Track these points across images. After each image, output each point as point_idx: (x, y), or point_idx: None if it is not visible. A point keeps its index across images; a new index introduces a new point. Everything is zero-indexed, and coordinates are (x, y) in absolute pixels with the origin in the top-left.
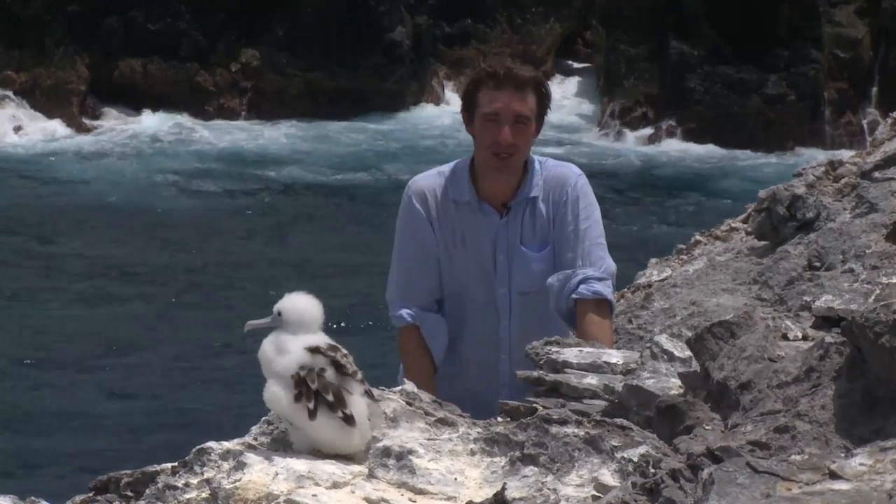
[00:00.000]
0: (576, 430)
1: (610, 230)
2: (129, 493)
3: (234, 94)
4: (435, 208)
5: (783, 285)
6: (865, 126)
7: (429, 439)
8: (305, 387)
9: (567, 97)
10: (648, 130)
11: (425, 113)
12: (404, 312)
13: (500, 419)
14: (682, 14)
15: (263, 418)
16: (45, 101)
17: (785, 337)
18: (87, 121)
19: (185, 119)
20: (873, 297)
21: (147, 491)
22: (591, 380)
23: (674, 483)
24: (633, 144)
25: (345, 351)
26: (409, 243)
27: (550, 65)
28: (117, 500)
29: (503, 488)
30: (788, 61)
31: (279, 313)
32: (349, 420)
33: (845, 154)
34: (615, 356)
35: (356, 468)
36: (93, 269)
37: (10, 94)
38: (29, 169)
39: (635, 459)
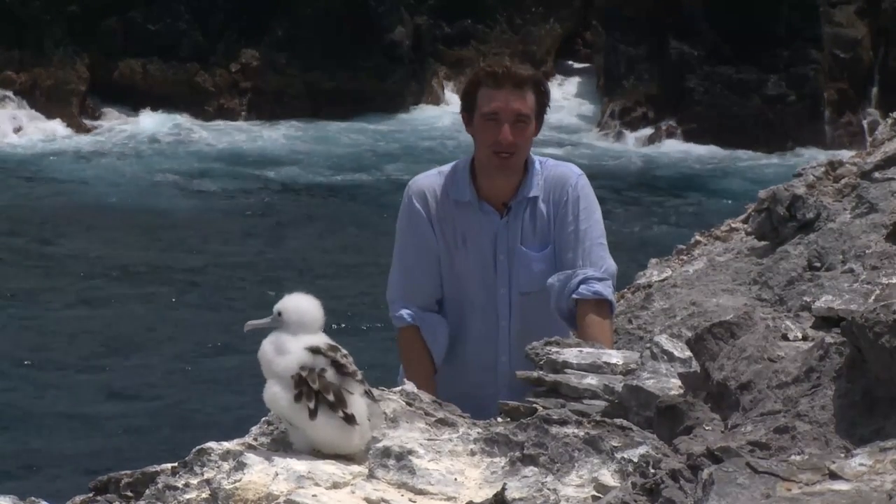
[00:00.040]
0: (576, 431)
1: (610, 230)
2: (129, 494)
3: (233, 95)
4: (435, 208)
5: (783, 285)
6: (865, 126)
7: (429, 439)
8: (306, 386)
9: (567, 98)
10: (648, 131)
11: (425, 113)
12: (404, 312)
13: (499, 419)
14: (682, 14)
15: (263, 418)
16: (45, 102)
17: (785, 337)
18: (86, 121)
19: (184, 119)
20: (873, 298)
21: (147, 491)
22: (591, 380)
23: (674, 483)
24: (633, 145)
25: (345, 351)
26: (409, 243)
27: (550, 65)
28: (117, 501)
29: (503, 488)
30: (788, 61)
31: (279, 313)
32: (350, 420)
33: (845, 154)
34: (615, 356)
35: (356, 468)
36: (93, 270)
37: (10, 94)
38: (29, 169)
39: (635, 460)
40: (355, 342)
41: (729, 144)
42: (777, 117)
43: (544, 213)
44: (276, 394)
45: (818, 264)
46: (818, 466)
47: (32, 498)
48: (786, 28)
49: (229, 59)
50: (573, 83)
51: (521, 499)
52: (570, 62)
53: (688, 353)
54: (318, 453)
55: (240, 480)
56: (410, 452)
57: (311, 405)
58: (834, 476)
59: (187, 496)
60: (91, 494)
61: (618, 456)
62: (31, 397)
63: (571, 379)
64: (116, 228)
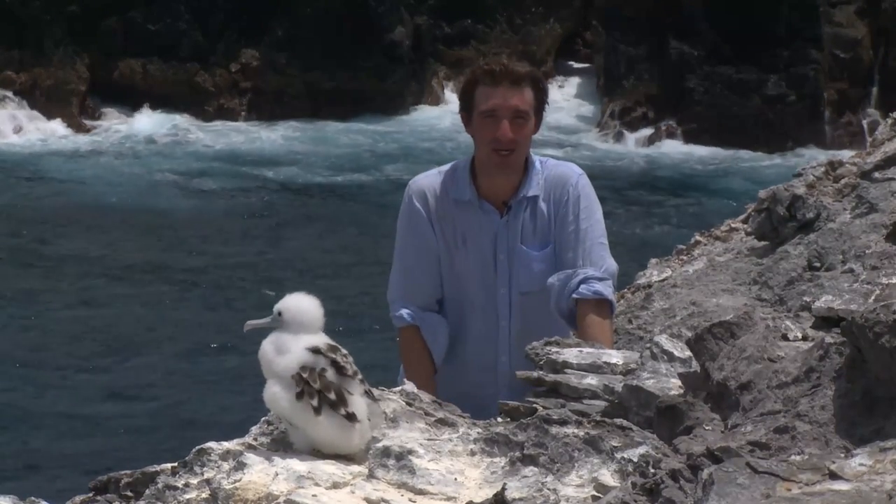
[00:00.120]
0: (576, 431)
1: (610, 231)
2: (129, 494)
3: (233, 95)
4: (435, 207)
5: (783, 285)
6: (865, 126)
7: (429, 439)
8: (307, 385)
9: (567, 98)
10: (648, 131)
11: (425, 113)
12: (404, 312)
13: (499, 419)
14: (682, 14)
15: (263, 418)
16: (45, 102)
17: (785, 337)
18: (86, 121)
19: (184, 119)
20: (873, 298)
21: (147, 491)
22: (591, 380)
23: (674, 483)
24: (633, 145)
25: (345, 351)
26: (409, 243)
27: (550, 65)
28: (117, 500)
29: (503, 488)
30: (788, 61)
31: (279, 313)
32: (351, 418)
33: (845, 154)
34: (615, 356)
35: (356, 468)
36: (93, 270)
37: (9, 94)
38: (28, 169)
39: (635, 460)
40: (355, 342)
41: (729, 144)
42: (777, 117)
43: (545, 213)
44: (277, 394)
45: (818, 264)
46: (818, 466)
47: (32, 498)
48: (786, 28)
49: (229, 59)
50: (573, 83)
51: (521, 499)
52: (570, 62)
53: (688, 353)
54: (318, 453)
55: (240, 480)
56: (410, 452)
57: (315, 403)
58: (834, 476)
59: (187, 496)
60: (91, 494)
61: (618, 456)
62: (31, 397)
63: (571, 379)
64: (116, 228)
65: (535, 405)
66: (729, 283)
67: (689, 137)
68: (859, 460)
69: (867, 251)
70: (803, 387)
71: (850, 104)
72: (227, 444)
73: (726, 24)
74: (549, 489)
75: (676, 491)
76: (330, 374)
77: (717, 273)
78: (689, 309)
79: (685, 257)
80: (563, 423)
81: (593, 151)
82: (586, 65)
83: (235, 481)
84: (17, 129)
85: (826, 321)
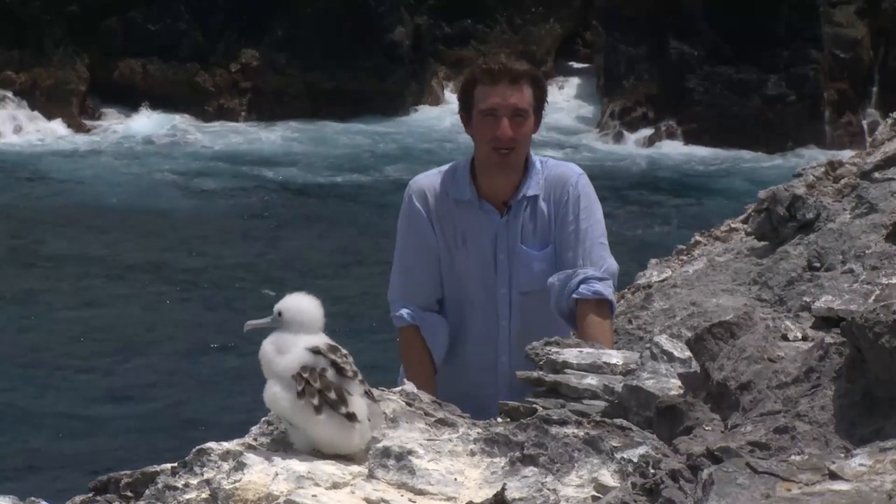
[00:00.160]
0: (575, 431)
1: (610, 231)
2: (129, 494)
3: (233, 95)
4: (435, 207)
5: (783, 286)
6: (865, 126)
7: (429, 440)
8: (308, 385)
9: (567, 98)
10: (648, 131)
11: (425, 113)
12: (405, 312)
13: (499, 419)
14: (682, 14)
15: (263, 418)
16: (45, 102)
17: (785, 337)
18: (86, 121)
19: (184, 119)
20: (873, 298)
21: (147, 491)
22: (591, 380)
23: (673, 483)
24: (632, 145)
25: (345, 351)
26: (409, 242)
27: (550, 65)
28: (117, 501)
29: (503, 489)
30: (788, 61)
31: (280, 313)
32: (351, 417)
33: (845, 154)
34: (615, 356)
35: (356, 468)
36: (93, 270)
37: (9, 94)
38: (28, 169)
39: (635, 460)
40: (355, 342)
41: (729, 144)
42: (777, 117)
43: (545, 213)
44: (277, 394)
45: (818, 264)
46: (818, 466)
47: (32, 498)
48: (786, 28)
49: (229, 59)
50: (573, 83)
51: (520, 499)
52: (570, 62)
53: (688, 354)
54: (318, 453)
55: (240, 480)
56: (410, 452)
57: (315, 401)
58: (834, 476)
59: (187, 496)
60: (91, 494)
61: (618, 456)
62: (31, 397)
63: (571, 379)
64: (116, 228)
65: (534, 405)
66: (729, 283)
67: (689, 137)
68: (859, 460)
69: (867, 251)
70: (803, 387)
71: (850, 104)
72: (227, 445)
73: (726, 24)
74: (548, 489)
75: (676, 491)
76: (330, 374)
77: (717, 273)
78: (688, 309)
79: (685, 257)
80: (562, 423)
81: (593, 151)
82: (586, 65)
83: (235, 481)
84: (17, 129)
85: (826, 321)
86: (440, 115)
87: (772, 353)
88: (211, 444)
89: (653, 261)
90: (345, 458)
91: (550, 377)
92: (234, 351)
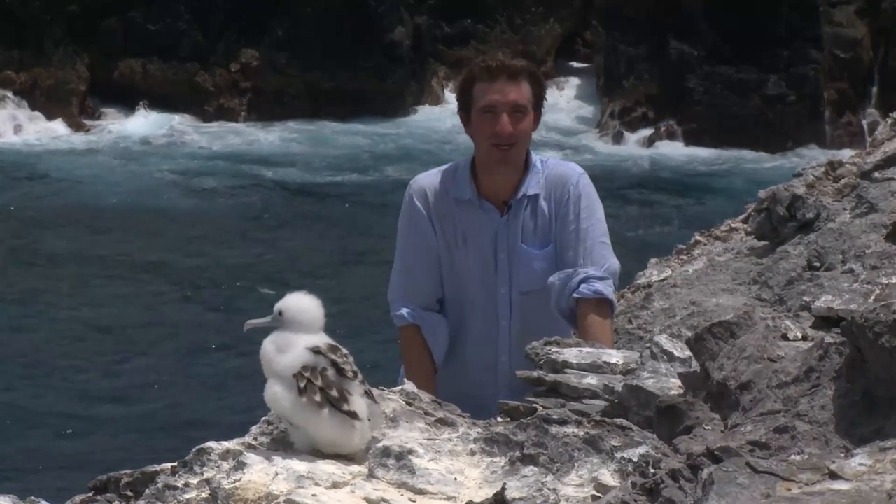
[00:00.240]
0: (575, 430)
1: (610, 230)
2: (129, 493)
3: (233, 95)
4: (436, 206)
5: (783, 285)
6: (865, 126)
7: (429, 439)
8: (310, 382)
9: (567, 98)
10: (648, 131)
11: (425, 113)
12: (405, 312)
13: (499, 419)
14: (682, 14)
15: (263, 418)
16: (45, 102)
17: (785, 337)
18: (86, 121)
19: (184, 119)
20: (873, 297)
21: (147, 491)
22: (591, 380)
23: (673, 483)
24: (632, 145)
25: (345, 351)
26: (409, 242)
27: (550, 65)
28: (117, 500)
29: (503, 488)
30: (788, 61)
31: (280, 313)
32: (353, 416)
33: (845, 154)
34: (615, 356)
35: (356, 468)
36: (93, 269)
37: (9, 94)
38: (28, 169)
39: (635, 459)
40: (355, 342)
41: (729, 144)
42: (777, 117)
43: (546, 212)
44: (277, 393)
45: (818, 264)
46: (818, 466)
47: (32, 498)
48: (786, 28)
49: (229, 59)
50: (573, 83)
51: (520, 498)
52: (571, 62)
53: (687, 353)
54: (318, 453)
55: (240, 480)
56: (410, 452)
57: (318, 398)
58: (834, 476)
59: (187, 496)
60: (91, 494)
61: (618, 456)
62: (31, 397)
63: (571, 379)
64: (116, 228)
65: (534, 405)
66: (729, 282)
67: (689, 137)
68: (859, 460)
69: (867, 251)
70: (803, 387)
71: (850, 104)
72: (226, 444)
73: (726, 24)
74: (548, 489)
75: (676, 491)
76: (331, 373)
77: (717, 273)
78: (688, 309)
79: (685, 257)
80: (562, 422)
81: (593, 151)
82: (586, 65)
83: (235, 481)
84: (18, 129)
85: (826, 321)
86: (440, 115)
87: (772, 353)
88: (211, 444)
89: (653, 260)
90: (345, 457)
91: (550, 377)
92: (234, 351)
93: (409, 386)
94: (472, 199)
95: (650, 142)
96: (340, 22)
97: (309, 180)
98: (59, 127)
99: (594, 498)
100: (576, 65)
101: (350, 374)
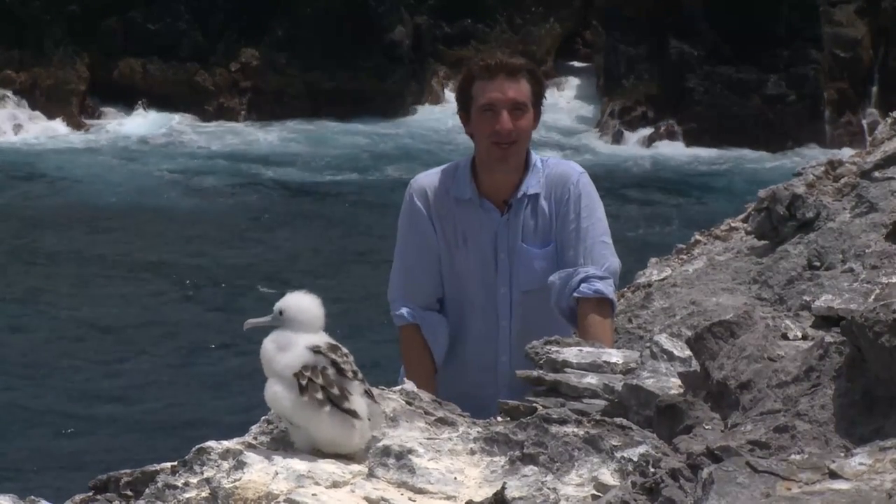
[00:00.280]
0: (575, 430)
1: (610, 230)
2: (129, 493)
3: (233, 94)
4: (436, 206)
5: (783, 285)
6: (865, 126)
7: (428, 439)
8: (310, 381)
9: (567, 97)
10: (648, 130)
11: (425, 113)
12: (405, 311)
13: (499, 419)
14: (682, 14)
15: (263, 418)
16: (45, 101)
17: (785, 336)
18: (86, 120)
19: (184, 119)
20: (873, 297)
21: (147, 490)
22: (591, 379)
23: (673, 482)
24: (632, 144)
25: (345, 350)
26: (409, 241)
27: (550, 65)
28: (117, 500)
29: (503, 488)
30: (788, 61)
31: (281, 312)
32: (353, 414)
33: (845, 153)
34: (615, 356)
35: (356, 468)
36: (93, 269)
37: (9, 93)
38: (28, 169)
39: (635, 459)
40: (355, 342)
41: (729, 144)
42: (777, 117)
43: (546, 211)
44: (278, 392)
45: (818, 264)
46: (818, 466)
47: (32, 497)
48: (786, 28)
49: (229, 58)
50: (573, 83)
51: (520, 498)
52: (571, 62)
53: (687, 353)
54: (318, 452)
55: (240, 479)
56: (410, 451)
57: (319, 396)
58: (834, 475)
59: (187, 495)
60: (91, 493)
61: (617, 455)
62: (31, 397)
63: (571, 378)
64: (116, 228)
65: (534, 404)
66: (729, 282)
67: (689, 137)
68: (859, 460)
69: (867, 250)
70: (803, 386)
71: (850, 104)
72: (226, 444)
73: (726, 24)
74: (548, 488)
75: (676, 490)
76: (331, 372)
77: (717, 272)
78: (688, 308)
79: (685, 256)
80: (562, 422)
81: (593, 151)
82: (586, 64)
83: (235, 480)
84: (18, 129)
85: (826, 320)
86: (440, 115)
87: (772, 353)
88: (211, 443)
89: (653, 260)
90: (345, 457)
91: (550, 376)
92: (234, 351)
93: (409, 385)
94: (473, 198)
95: (650, 141)
96: (340, 22)
97: (309, 180)
98: (59, 126)
99: (594, 497)
100: (576, 64)
101: (350, 374)
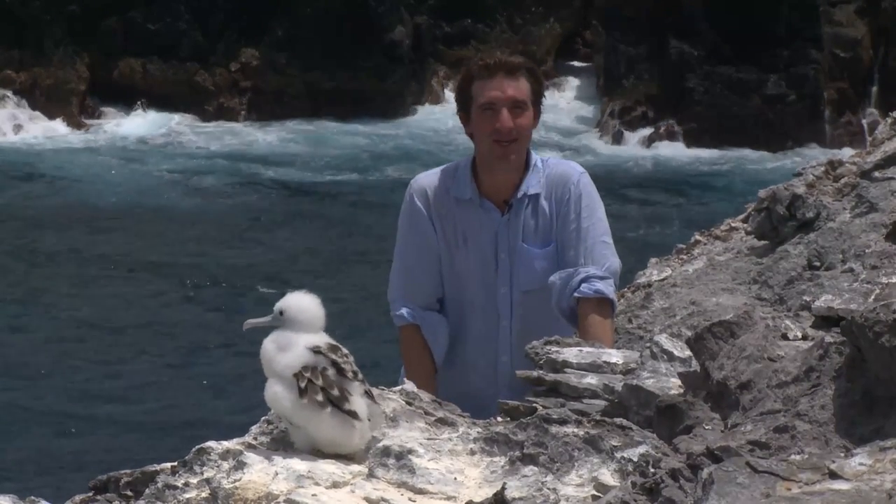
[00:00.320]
0: (575, 430)
1: (610, 230)
2: (129, 493)
3: (233, 94)
4: (436, 206)
5: (783, 285)
6: (865, 126)
7: (429, 439)
8: (310, 382)
9: (567, 97)
10: (648, 130)
11: (425, 113)
12: (405, 311)
13: (499, 419)
14: (682, 14)
15: (263, 418)
16: (45, 101)
17: (785, 337)
18: (86, 120)
19: (184, 119)
20: (873, 297)
21: (147, 490)
22: (591, 379)
23: (673, 483)
24: (632, 144)
25: (345, 351)
26: (410, 241)
27: (550, 65)
28: (117, 500)
29: (503, 488)
30: (788, 61)
31: (281, 312)
32: (353, 415)
33: (845, 153)
34: (615, 356)
35: (356, 468)
36: (93, 269)
37: (9, 93)
38: (28, 169)
39: (635, 459)
40: (355, 342)
41: (729, 144)
42: (777, 117)
43: (546, 211)
44: (278, 393)
45: (818, 264)
46: (818, 466)
47: (32, 497)
48: (786, 28)
49: (229, 58)
50: (573, 83)
51: (520, 498)
52: (571, 62)
53: (687, 353)
54: (318, 453)
55: (240, 480)
56: (410, 452)
57: (319, 398)
58: (834, 475)
59: (187, 495)
60: (91, 494)
61: (617, 455)
62: (31, 397)
63: (571, 378)
64: (116, 228)
65: (534, 404)
66: (729, 282)
67: (689, 137)
68: (859, 460)
69: (867, 251)
70: (803, 386)
71: (850, 104)
72: (226, 444)
73: (726, 24)
74: (548, 488)
75: (676, 490)
76: (331, 373)
77: (717, 272)
78: (688, 308)
79: (685, 257)
80: (562, 422)
81: (593, 151)
82: (586, 64)
83: (235, 481)
84: (18, 129)
85: (826, 321)
86: (440, 115)
87: (772, 353)
88: (211, 444)
89: (653, 260)
90: (345, 457)
91: (550, 376)
92: (234, 351)
93: (409, 386)
94: (473, 198)
95: (650, 141)
96: (340, 22)
97: (309, 180)
98: (59, 126)
99: (594, 497)
100: (576, 64)
101: (350, 374)
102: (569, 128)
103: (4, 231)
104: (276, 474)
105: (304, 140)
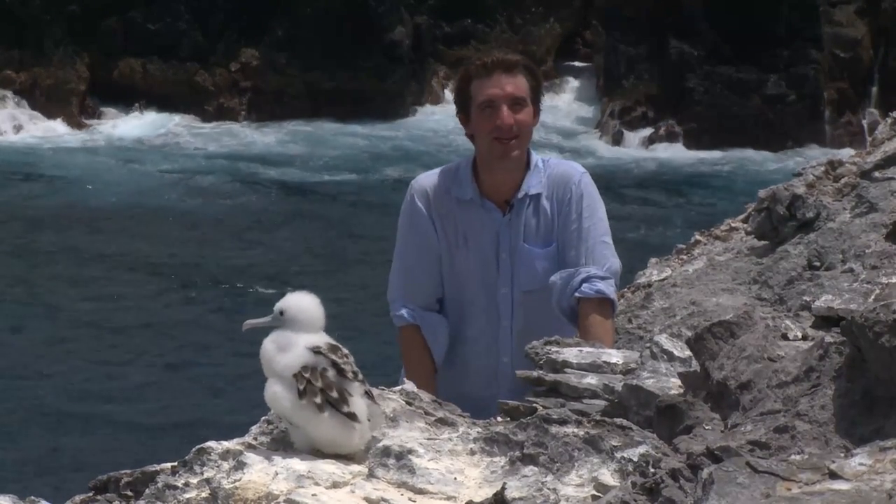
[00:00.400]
0: (575, 430)
1: (610, 230)
2: (129, 493)
3: (233, 94)
4: (437, 206)
5: (783, 285)
6: (865, 126)
7: (429, 439)
8: (310, 384)
9: (567, 98)
10: (648, 130)
11: (425, 114)
12: (405, 312)
13: (499, 419)
14: (682, 14)
15: (263, 418)
16: (45, 101)
17: (785, 337)
18: (86, 120)
19: (184, 119)
20: (873, 297)
21: (147, 490)
22: (591, 380)
23: (673, 483)
24: (632, 144)
25: (346, 351)
26: (410, 242)
27: (550, 65)
28: (117, 500)
29: (503, 488)
30: (788, 61)
31: (281, 312)
32: (352, 417)
33: (845, 153)
34: (615, 356)
35: (356, 468)
36: (93, 269)
37: (9, 93)
38: (28, 168)
39: (635, 459)
40: (355, 342)
41: (729, 144)
42: (777, 117)
43: (548, 211)
44: (278, 393)
45: (818, 264)
46: (818, 466)
47: (32, 497)
48: (786, 28)
49: (229, 58)
50: (573, 83)
51: (520, 498)
52: (571, 62)
53: (687, 353)
54: (318, 453)
55: (240, 480)
56: (410, 452)
57: (318, 400)
58: (834, 476)
59: (187, 495)
60: (91, 494)
61: (618, 455)
62: (32, 397)
63: (571, 378)
64: (116, 228)
65: (534, 405)
66: (729, 282)
67: (689, 137)
68: (859, 460)
69: (867, 251)
70: (803, 386)
71: (850, 104)
72: (226, 444)
73: (726, 24)
74: (548, 489)
75: (676, 490)
76: (331, 374)
77: (717, 272)
78: (688, 308)
79: (685, 257)
80: (562, 422)
81: (593, 151)
82: (586, 64)
83: (235, 481)
84: (18, 129)
85: (826, 321)
86: (440, 116)
87: (772, 353)
88: (211, 444)
89: (653, 260)
90: (345, 457)
91: (550, 376)
92: (234, 351)
93: (409, 386)
94: (474, 198)
95: (650, 142)
96: (340, 22)
97: (308, 181)
98: (59, 126)
99: (594, 498)
100: (576, 65)
101: (350, 375)
102: (569, 128)
103: (4, 231)
104: (276, 474)
105: (303, 140)
